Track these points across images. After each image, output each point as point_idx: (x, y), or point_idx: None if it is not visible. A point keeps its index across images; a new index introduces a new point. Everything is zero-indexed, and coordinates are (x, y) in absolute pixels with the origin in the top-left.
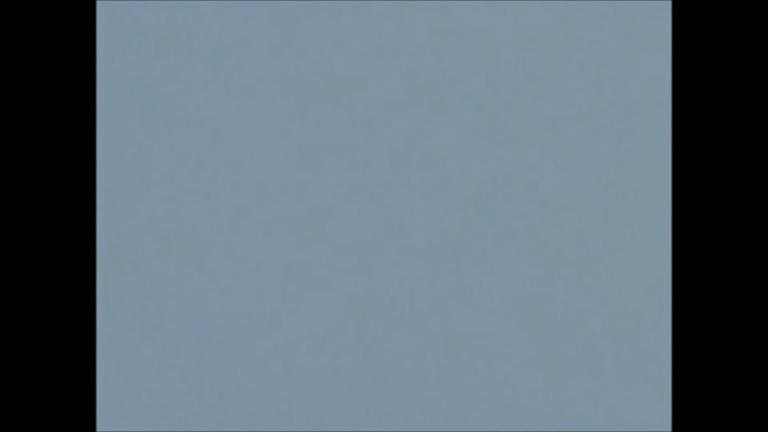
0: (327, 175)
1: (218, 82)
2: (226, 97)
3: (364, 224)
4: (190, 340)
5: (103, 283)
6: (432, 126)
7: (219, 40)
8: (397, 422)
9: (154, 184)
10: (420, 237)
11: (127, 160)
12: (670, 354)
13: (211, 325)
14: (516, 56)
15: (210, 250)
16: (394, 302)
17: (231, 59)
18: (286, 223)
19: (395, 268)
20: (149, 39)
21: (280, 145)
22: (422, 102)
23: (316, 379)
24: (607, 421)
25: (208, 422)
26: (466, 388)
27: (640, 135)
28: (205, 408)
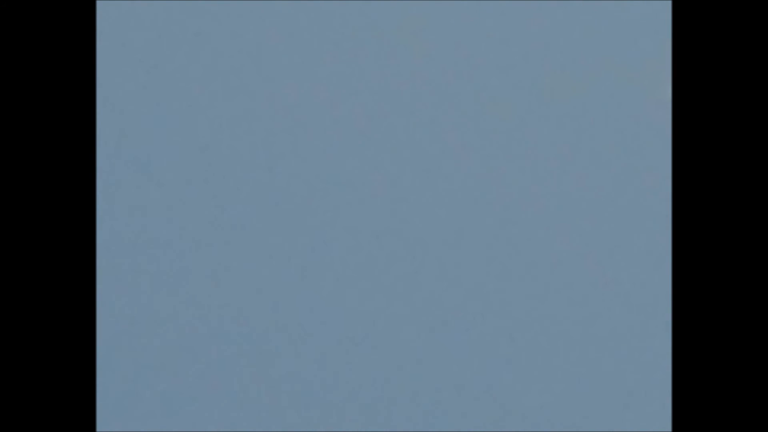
0: (326, 175)
1: (218, 82)
2: (227, 97)
3: (364, 224)
4: (191, 339)
5: (103, 283)
6: (431, 126)
7: (219, 40)
8: (397, 422)
9: (154, 184)
10: (419, 238)
11: (127, 161)
12: (670, 354)
13: (211, 324)
14: (515, 56)
15: (210, 249)
16: (394, 303)
17: (231, 59)
18: (286, 222)
19: (395, 269)
20: (149, 39)
21: (280, 145)
22: (421, 102)
23: (317, 379)
24: (607, 421)
25: (209, 422)
26: (466, 388)
27: (639, 135)
28: (205, 408)
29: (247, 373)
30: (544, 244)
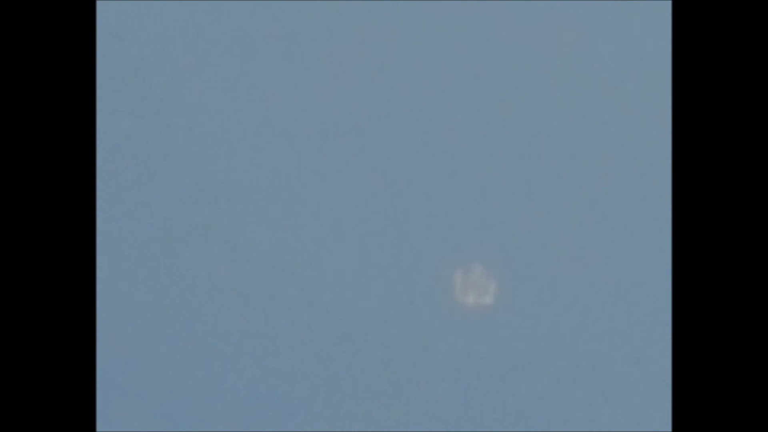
0: (326, 176)
1: (219, 82)
2: (227, 97)
3: (364, 225)
4: (191, 339)
5: (103, 283)
6: (431, 127)
7: (219, 40)
8: (396, 423)
9: (154, 185)
10: (419, 238)
11: (127, 161)
12: (670, 354)
13: (212, 324)
14: (514, 56)
15: (210, 250)
16: (394, 303)
17: (231, 59)
18: (286, 223)
19: (395, 271)
20: (149, 39)
21: (279, 145)
22: (420, 103)
23: (317, 379)
24: (607, 421)
25: (209, 422)
26: (466, 389)
27: (639, 136)
28: (205, 408)
29: (248, 373)
30: (543, 243)
